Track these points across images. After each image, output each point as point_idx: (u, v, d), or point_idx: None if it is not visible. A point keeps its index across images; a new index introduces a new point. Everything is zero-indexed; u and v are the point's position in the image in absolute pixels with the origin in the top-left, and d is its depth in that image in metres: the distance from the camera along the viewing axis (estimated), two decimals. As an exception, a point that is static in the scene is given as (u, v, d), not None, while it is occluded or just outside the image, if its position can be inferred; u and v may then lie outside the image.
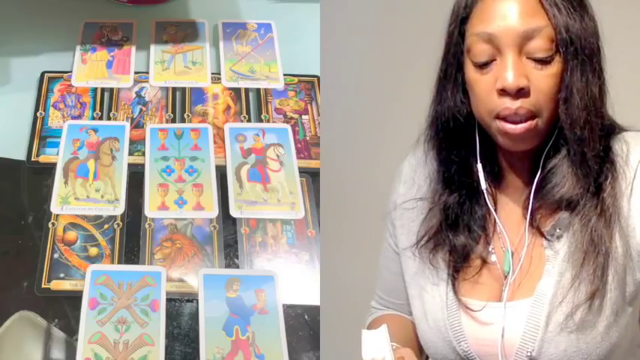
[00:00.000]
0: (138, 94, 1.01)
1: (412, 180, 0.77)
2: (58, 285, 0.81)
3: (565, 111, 0.64)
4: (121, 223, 0.87)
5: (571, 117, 0.63)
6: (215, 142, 0.95)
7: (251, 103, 1.02)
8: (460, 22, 0.67)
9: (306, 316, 0.81)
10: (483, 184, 0.69)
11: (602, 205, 0.65)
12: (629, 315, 0.67)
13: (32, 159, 0.93)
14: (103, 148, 0.94)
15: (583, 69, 0.63)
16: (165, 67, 1.05)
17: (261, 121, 0.99)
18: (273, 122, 0.99)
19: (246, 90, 1.03)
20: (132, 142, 0.95)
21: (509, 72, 0.63)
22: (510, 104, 0.63)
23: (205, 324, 0.78)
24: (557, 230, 0.67)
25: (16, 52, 1.07)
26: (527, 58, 0.63)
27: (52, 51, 1.07)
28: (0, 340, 0.75)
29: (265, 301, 0.80)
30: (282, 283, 0.82)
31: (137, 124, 0.98)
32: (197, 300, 0.80)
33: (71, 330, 0.78)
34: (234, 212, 0.88)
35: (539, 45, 0.63)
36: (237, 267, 0.84)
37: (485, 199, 0.70)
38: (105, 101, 1.00)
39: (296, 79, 1.05)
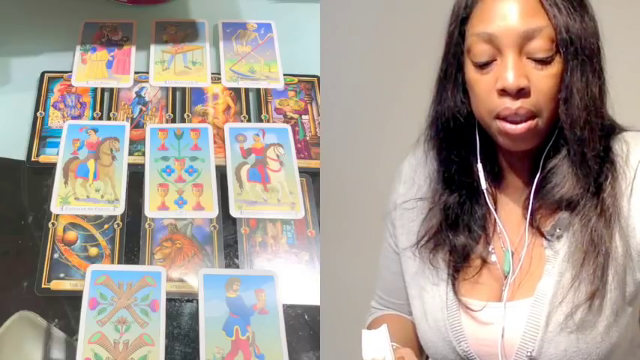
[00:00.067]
0: (138, 94, 1.01)
1: (412, 180, 0.77)
2: (58, 285, 0.81)
3: (565, 111, 0.64)
4: (121, 223, 0.87)
5: (571, 117, 0.63)
6: (215, 142, 0.95)
7: (251, 103, 1.02)
8: (460, 23, 0.67)
9: (306, 316, 0.81)
10: (483, 184, 0.69)
11: (602, 205, 0.65)
12: (629, 315, 0.67)
13: (32, 159, 0.93)
14: (103, 148, 0.94)
15: (583, 69, 0.63)
16: (165, 67, 1.05)
17: (261, 121, 0.99)
18: (273, 122, 0.99)
19: (246, 90, 1.03)
20: (132, 142, 0.95)
21: (510, 72, 0.63)
22: (510, 104, 0.63)
23: (205, 324, 0.78)
24: (557, 230, 0.67)
25: (16, 52, 1.07)
26: (528, 58, 0.63)
27: (52, 51, 1.07)
28: (0, 340, 0.75)
29: (265, 301, 0.80)
30: (282, 283, 0.82)
31: (137, 124, 0.98)
32: (197, 300, 0.80)
33: (71, 330, 0.78)
34: (234, 212, 0.88)
35: (540, 45, 0.63)
36: (237, 267, 0.84)
37: (485, 199, 0.70)
38: (105, 101, 1.00)
39: (296, 79, 1.05)
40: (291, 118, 1.00)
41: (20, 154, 0.93)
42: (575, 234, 0.65)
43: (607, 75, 0.65)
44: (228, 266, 0.84)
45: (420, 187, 0.75)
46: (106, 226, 0.86)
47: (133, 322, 0.78)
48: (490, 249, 0.70)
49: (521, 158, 0.69)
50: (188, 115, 0.99)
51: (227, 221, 0.88)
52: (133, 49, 1.08)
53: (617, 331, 0.65)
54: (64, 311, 0.79)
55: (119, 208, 0.88)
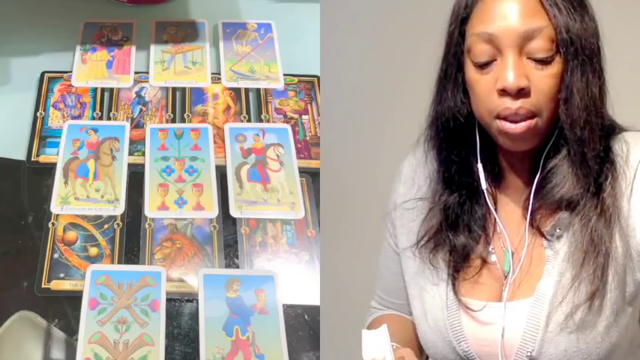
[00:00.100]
0: (138, 94, 1.01)
1: (412, 180, 0.77)
2: (58, 285, 0.81)
3: (565, 111, 0.64)
4: (121, 223, 0.87)
5: (571, 117, 0.63)
6: (215, 142, 0.95)
7: (251, 103, 1.02)
8: (460, 23, 0.67)
9: (306, 316, 0.81)
10: (484, 184, 0.69)
11: (602, 205, 0.65)
12: (629, 315, 0.67)
13: (32, 159, 0.93)
14: (103, 148, 0.94)
15: (583, 69, 0.63)
16: (165, 67, 1.05)
17: (261, 121, 0.99)
18: (273, 122, 0.99)
19: (246, 90, 1.03)
20: (132, 142, 0.95)
21: (510, 72, 0.63)
22: (511, 104, 0.63)
23: (205, 324, 0.78)
24: (557, 230, 0.67)
25: (16, 52, 1.07)
26: (528, 58, 0.63)
27: (52, 51, 1.07)
28: (0, 340, 0.75)
29: (265, 301, 0.80)
30: (282, 283, 0.82)
31: (137, 124, 0.98)
32: (197, 300, 0.80)
33: (71, 330, 0.78)
34: (234, 212, 0.88)
35: (540, 45, 0.63)
36: (237, 267, 0.84)
37: (485, 199, 0.70)
38: (105, 101, 1.00)
39: (296, 79, 1.05)
40: (291, 118, 1.00)
41: (20, 154, 0.93)
42: (575, 234, 0.65)
43: (607, 75, 0.65)
44: (228, 266, 0.84)
45: (420, 187, 0.75)
46: (106, 226, 0.86)
47: (133, 322, 0.78)
48: (490, 249, 0.70)
49: (522, 158, 0.69)
50: (188, 115, 0.99)
51: (227, 221, 0.88)
52: (133, 49, 1.08)
53: (617, 331, 0.65)
54: (64, 311, 0.79)
55: (119, 208, 0.88)
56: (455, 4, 0.68)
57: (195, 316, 0.79)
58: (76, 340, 0.76)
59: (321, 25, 1.06)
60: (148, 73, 1.04)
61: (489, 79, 0.64)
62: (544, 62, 0.63)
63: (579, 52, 0.63)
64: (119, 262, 0.83)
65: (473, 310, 0.69)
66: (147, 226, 0.86)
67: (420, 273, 0.73)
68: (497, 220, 0.70)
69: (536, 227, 0.68)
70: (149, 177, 0.91)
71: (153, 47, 1.08)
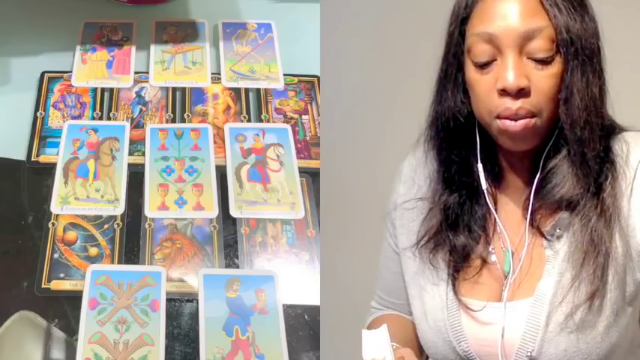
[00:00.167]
0: (138, 94, 1.01)
1: (412, 180, 0.77)
2: (58, 285, 0.81)
3: (565, 111, 0.64)
4: (121, 223, 0.87)
5: (571, 117, 0.63)
6: (215, 142, 0.95)
7: (251, 103, 1.02)
8: (460, 23, 0.67)
9: (306, 316, 0.81)
10: (484, 184, 0.69)
11: (602, 205, 0.65)
12: (629, 315, 0.67)
13: (32, 159, 0.93)
14: (103, 148, 0.94)
15: (583, 69, 0.63)
16: (166, 67, 1.05)
17: (261, 121, 0.99)
18: (273, 122, 0.99)
19: (246, 90, 1.03)
20: (132, 142, 0.95)
21: (510, 72, 0.63)
22: (511, 104, 0.63)
23: (205, 324, 0.78)
24: (557, 230, 0.67)
25: (16, 52, 1.07)
26: (528, 58, 0.63)
27: (52, 51, 1.07)
28: (0, 340, 0.75)
29: (265, 301, 0.80)
30: (282, 283, 0.82)
31: (137, 124, 0.98)
32: (197, 300, 0.80)
33: (71, 330, 0.77)
34: (234, 212, 0.88)
35: (540, 45, 0.63)
36: (237, 267, 0.84)
37: (485, 199, 0.70)
38: (105, 101, 1.00)
39: (296, 79, 1.05)
40: (291, 118, 1.00)
41: (20, 154, 0.93)
42: (575, 234, 0.65)
43: (607, 75, 0.65)
44: (228, 266, 0.84)
45: (420, 187, 0.75)
46: (106, 226, 0.86)
47: (133, 322, 0.78)
48: (490, 249, 0.70)
49: (522, 158, 0.69)
50: (188, 115, 0.99)
51: (227, 221, 0.88)
52: (133, 49, 1.08)
53: (617, 331, 0.65)
54: (64, 311, 0.79)
55: (119, 208, 0.88)
56: (455, 4, 0.68)
57: (195, 316, 0.79)
58: (76, 340, 0.76)
59: (321, 25, 1.06)
60: (148, 73, 1.04)
61: (489, 79, 0.64)
62: (544, 62, 0.63)
63: (579, 52, 0.63)
64: (119, 262, 0.83)
65: (473, 310, 0.69)
66: (147, 226, 0.86)
67: (420, 273, 0.73)
68: (498, 220, 0.70)
69: (536, 227, 0.68)
70: (149, 177, 0.91)
71: (153, 47, 1.08)
